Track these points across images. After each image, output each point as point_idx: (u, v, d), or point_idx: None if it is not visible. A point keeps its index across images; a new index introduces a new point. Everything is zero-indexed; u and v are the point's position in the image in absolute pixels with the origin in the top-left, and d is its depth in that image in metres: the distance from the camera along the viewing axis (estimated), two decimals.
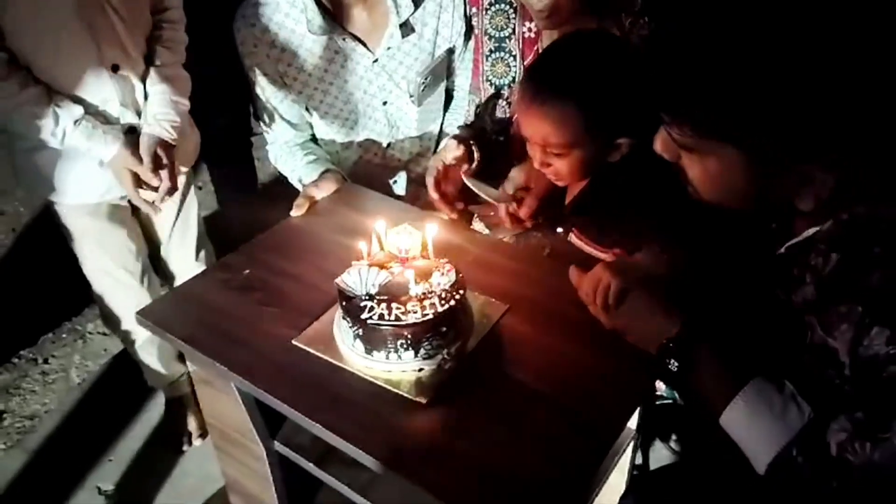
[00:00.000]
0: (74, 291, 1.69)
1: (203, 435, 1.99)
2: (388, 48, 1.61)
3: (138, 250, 1.76)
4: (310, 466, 1.21)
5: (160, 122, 1.53)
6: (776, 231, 1.00)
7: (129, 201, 1.69)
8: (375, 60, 1.62)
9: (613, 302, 1.02)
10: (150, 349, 1.88)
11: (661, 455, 1.75)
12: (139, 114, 1.55)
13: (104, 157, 1.49)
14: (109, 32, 1.44)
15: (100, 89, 1.47)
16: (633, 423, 1.23)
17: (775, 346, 0.94)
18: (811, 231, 0.90)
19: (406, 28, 1.61)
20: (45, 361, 2.40)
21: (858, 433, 0.80)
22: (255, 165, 2.56)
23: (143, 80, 1.54)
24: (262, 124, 1.75)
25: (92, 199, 1.62)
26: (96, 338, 2.43)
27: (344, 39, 1.57)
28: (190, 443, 2.00)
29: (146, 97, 1.56)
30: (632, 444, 1.28)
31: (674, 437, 1.75)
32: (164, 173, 1.53)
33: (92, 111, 1.48)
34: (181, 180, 1.69)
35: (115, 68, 1.48)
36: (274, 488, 1.31)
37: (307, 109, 1.69)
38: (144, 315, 1.18)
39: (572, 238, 1.25)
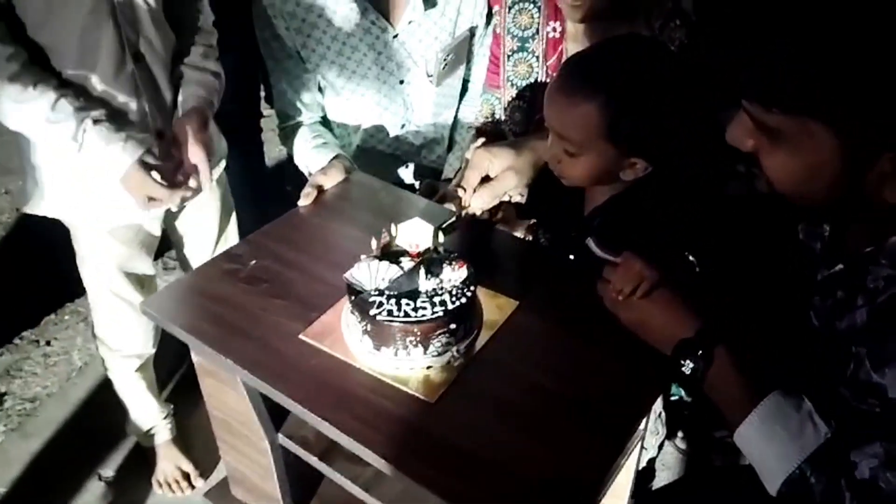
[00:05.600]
0: (77, 273, 1.67)
1: (203, 474, 1.94)
2: (410, 22, 1.59)
3: (155, 275, 1.75)
4: (313, 461, 1.20)
5: (198, 96, 1.49)
6: (821, 250, 0.97)
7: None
8: (396, 36, 1.59)
9: (642, 293, 1.01)
10: (142, 380, 1.85)
11: (666, 452, 1.74)
12: (164, 117, 1.50)
13: (119, 165, 1.38)
14: (131, 14, 1.38)
15: (121, 81, 1.41)
16: (643, 421, 1.22)
17: (805, 373, 0.92)
18: (869, 249, 0.86)
19: (429, 2, 1.58)
20: (48, 343, 2.39)
21: (892, 464, 0.78)
22: (262, 150, 2.53)
23: (169, 80, 1.50)
24: (274, 105, 1.73)
25: (122, 220, 1.57)
26: None
27: (366, 10, 1.54)
28: (191, 485, 1.93)
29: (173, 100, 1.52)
30: (640, 441, 1.27)
31: (680, 434, 1.74)
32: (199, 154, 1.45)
33: (114, 107, 1.41)
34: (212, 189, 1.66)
35: (137, 57, 1.42)
36: (277, 481, 1.30)
37: (320, 89, 1.67)
38: (149, 306, 1.16)
39: (590, 244, 1.23)
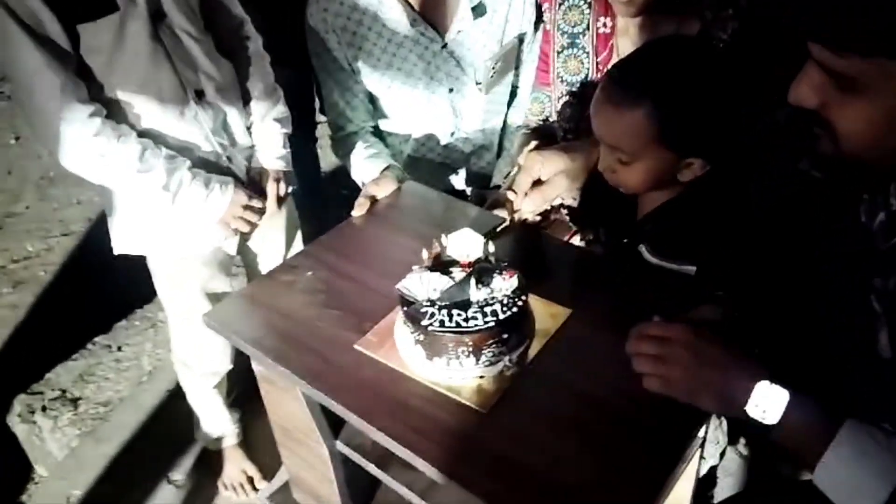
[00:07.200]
0: (147, 279, 1.73)
1: (266, 478, 1.98)
2: (459, 31, 1.60)
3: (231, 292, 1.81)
4: (370, 467, 1.22)
5: (275, 158, 1.64)
6: (885, 222, 0.93)
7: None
8: (444, 45, 1.61)
9: (694, 358, 0.92)
10: (218, 395, 1.92)
11: (728, 458, 1.71)
12: (233, 142, 1.59)
13: (219, 206, 1.53)
14: (185, 55, 1.45)
15: (187, 120, 1.48)
16: (701, 431, 1.19)
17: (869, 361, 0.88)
18: None
19: (478, 11, 1.59)
20: (119, 349, 2.48)
21: None
22: (318, 157, 2.58)
23: (235, 106, 1.57)
24: (326, 116, 1.76)
25: (207, 246, 1.65)
26: (167, 326, 2.50)
27: (414, 21, 1.56)
28: (255, 488, 1.98)
29: (249, 128, 1.63)
30: (698, 451, 1.25)
31: (742, 441, 1.70)
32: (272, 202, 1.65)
33: (185, 147, 1.49)
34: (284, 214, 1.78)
35: (199, 94, 1.49)
36: (335, 486, 1.32)
37: (371, 100, 1.69)
38: (212, 318, 1.20)
39: (643, 251, 1.22)
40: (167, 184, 1.43)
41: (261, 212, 1.62)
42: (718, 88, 1.08)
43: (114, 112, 1.41)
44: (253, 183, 1.65)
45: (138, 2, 1.36)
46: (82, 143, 1.36)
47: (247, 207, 1.58)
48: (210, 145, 1.54)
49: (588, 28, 1.46)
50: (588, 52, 1.47)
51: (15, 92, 1.36)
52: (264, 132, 1.65)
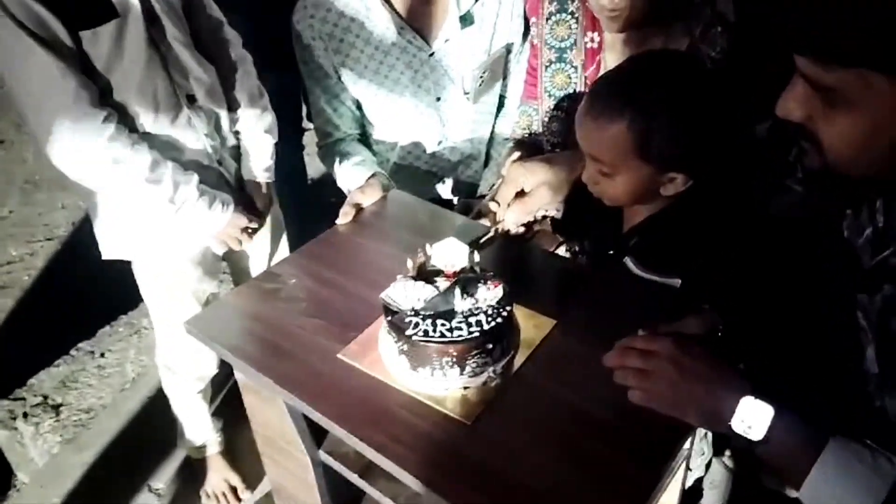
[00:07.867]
0: (131, 285, 1.72)
1: (249, 487, 1.98)
2: (447, 40, 1.60)
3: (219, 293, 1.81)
4: (354, 478, 1.21)
5: (264, 170, 1.66)
6: (870, 237, 0.93)
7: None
8: (432, 54, 1.60)
9: (678, 373, 0.92)
10: (202, 400, 1.90)
11: (714, 471, 1.70)
12: (223, 144, 1.60)
13: (217, 222, 1.55)
14: (176, 60, 1.45)
15: (180, 126, 1.48)
16: (687, 443, 1.19)
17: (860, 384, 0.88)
18: None
19: (465, 20, 1.59)
20: (102, 355, 2.46)
21: None
22: (304, 164, 2.57)
23: (223, 108, 1.58)
24: (313, 123, 1.76)
25: (197, 249, 1.65)
26: (151, 333, 2.48)
27: (402, 29, 1.56)
28: (238, 498, 1.97)
29: (236, 134, 1.64)
30: (684, 463, 1.24)
31: (727, 453, 1.70)
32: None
33: (175, 149, 1.49)
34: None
35: (190, 99, 1.49)
36: (318, 496, 1.31)
37: (358, 107, 1.69)
38: (193, 325, 1.19)
39: (628, 263, 1.22)
40: (173, 197, 1.44)
41: (255, 232, 1.65)
42: (701, 104, 1.08)
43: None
44: (247, 196, 1.66)
45: (135, 8, 1.36)
46: (96, 149, 1.35)
47: (244, 229, 1.60)
48: (203, 148, 1.54)
49: (576, 43, 1.46)
50: (576, 67, 1.48)
51: (20, 97, 1.34)
52: (254, 142, 1.66)
